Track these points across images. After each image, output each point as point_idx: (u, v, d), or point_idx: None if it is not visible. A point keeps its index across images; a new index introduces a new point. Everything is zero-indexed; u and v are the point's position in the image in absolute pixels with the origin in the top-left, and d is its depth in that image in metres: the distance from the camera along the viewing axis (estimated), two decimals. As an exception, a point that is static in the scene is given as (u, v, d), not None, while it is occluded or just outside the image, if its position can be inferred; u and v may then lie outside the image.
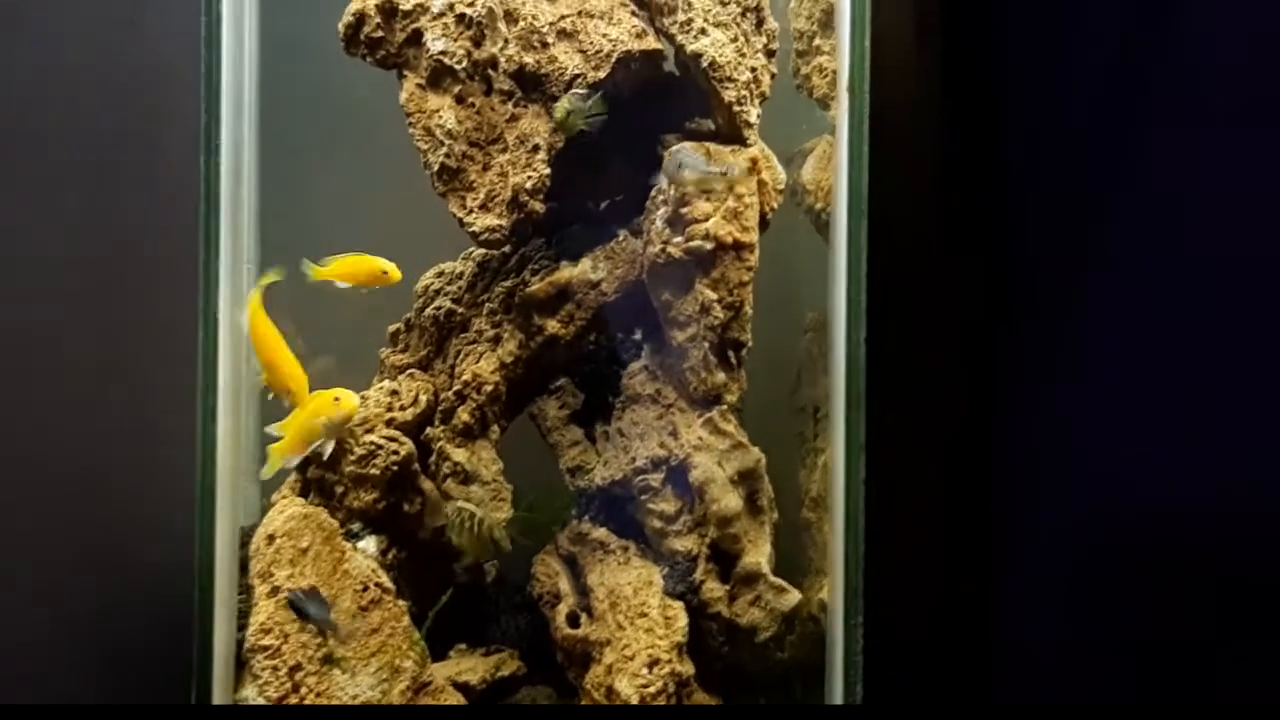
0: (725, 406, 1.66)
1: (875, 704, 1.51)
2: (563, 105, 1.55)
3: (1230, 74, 1.34)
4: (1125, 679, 1.41)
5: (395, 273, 1.59)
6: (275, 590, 1.52)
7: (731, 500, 1.63)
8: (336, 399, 1.55)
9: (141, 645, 1.66)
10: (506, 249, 1.73)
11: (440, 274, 1.79)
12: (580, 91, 1.56)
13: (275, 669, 1.50)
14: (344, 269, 1.58)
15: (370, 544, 1.63)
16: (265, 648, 1.50)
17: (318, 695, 1.50)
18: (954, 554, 1.52)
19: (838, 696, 1.54)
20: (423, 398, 1.67)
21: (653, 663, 1.54)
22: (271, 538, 1.56)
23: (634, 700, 1.52)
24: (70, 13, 1.76)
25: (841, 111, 1.50)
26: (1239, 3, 1.32)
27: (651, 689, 1.52)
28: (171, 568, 1.64)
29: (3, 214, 1.70)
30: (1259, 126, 1.28)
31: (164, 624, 1.67)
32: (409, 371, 1.72)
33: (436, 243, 1.81)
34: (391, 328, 1.82)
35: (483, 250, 1.74)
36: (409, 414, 1.65)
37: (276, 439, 1.59)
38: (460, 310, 1.72)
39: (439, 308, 1.74)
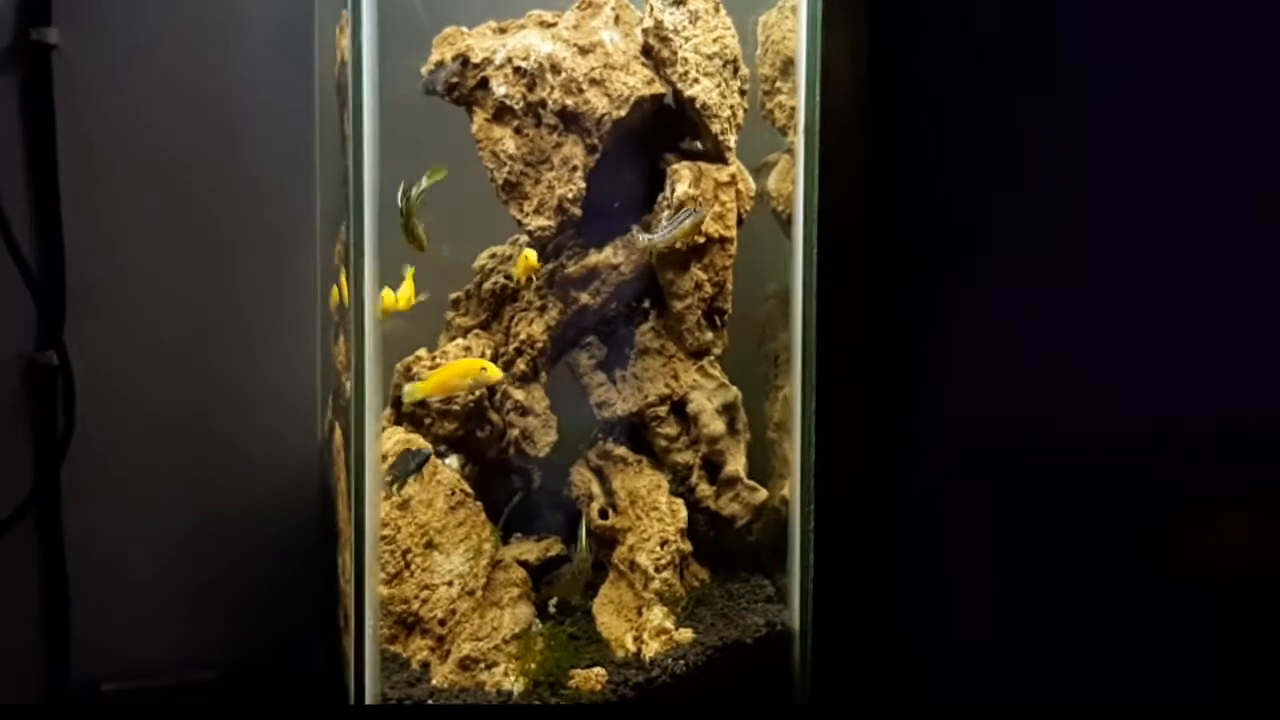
0: (712, 357, 2.24)
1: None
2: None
3: (1109, 129, 1.92)
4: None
5: (494, 370, 2.05)
6: (389, 495, 2.08)
7: (718, 425, 2.22)
8: (484, 369, 2.03)
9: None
10: (545, 238, 2.27)
11: (493, 255, 2.31)
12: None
13: (392, 552, 2.04)
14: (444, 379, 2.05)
15: (454, 461, 2.19)
16: (384, 537, 2.05)
17: (423, 570, 2.07)
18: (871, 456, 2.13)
19: (796, 564, 2.16)
20: (488, 352, 2.21)
21: (663, 542, 2.13)
22: (384, 457, 2.11)
23: (650, 569, 2.11)
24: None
25: (799, 146, 2.07)
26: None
27: (663, 561, 2.11)
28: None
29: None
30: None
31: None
32: (474, 332, 2.26)
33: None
34: (452, 295, 2.31)
35: (528, 239, 2.27)
36: (478, 364, 2.20)
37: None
38: (512, 285, 2.26)
39: (495, 283, 2.27)
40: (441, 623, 2.03)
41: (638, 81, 2.12)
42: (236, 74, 2.34)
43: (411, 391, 2.07)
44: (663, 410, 2.23)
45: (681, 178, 2.15)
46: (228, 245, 2.36)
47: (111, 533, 2.26)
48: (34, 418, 2.18)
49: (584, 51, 2.12)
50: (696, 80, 2.13)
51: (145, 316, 2.28)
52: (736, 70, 2.21)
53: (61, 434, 2.18)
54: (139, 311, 2.28)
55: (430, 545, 2.07)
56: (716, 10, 2.19)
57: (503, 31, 2.18)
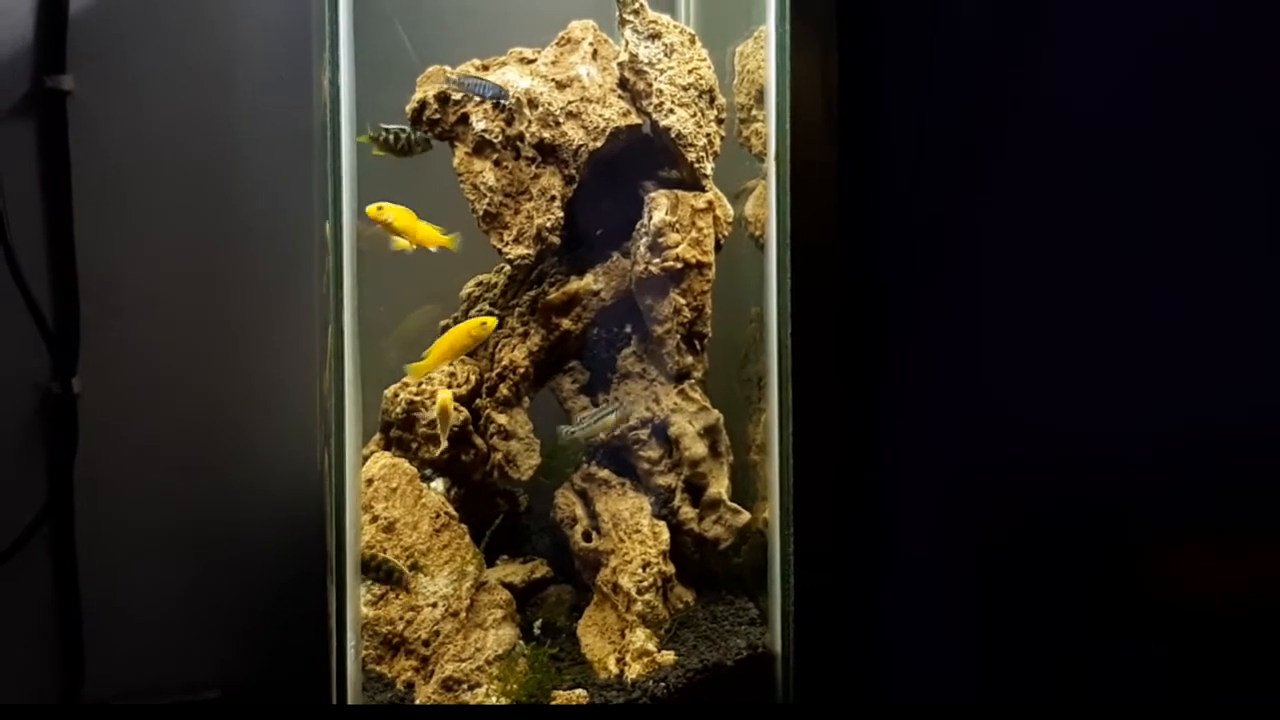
0: (693, 380, 2.28)
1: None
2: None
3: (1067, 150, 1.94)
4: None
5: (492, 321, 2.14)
6: (375, 518, 2.14)
7: (699, 448, 2.25)
8: (483, 323, 2.09)
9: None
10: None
11: (479, 284, 2.38)
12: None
13: (378, 574, 2.12)
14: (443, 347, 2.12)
15: (439, 484, 2.24)
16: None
17: (408, 591, 2.12)
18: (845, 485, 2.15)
19: (777, 587, 2.17)
20: (472, 377, 2.27)
21: (645, 565, 2.16)
22: (370, 480, 2.17)
23: (632, 592, 2.14)
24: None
25: (771, 174, 2.10)
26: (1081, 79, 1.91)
27: (645, 583, 2.14)
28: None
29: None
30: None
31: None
32: (459, 358, 2.32)
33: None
34: (442, 323, 2.38)
35: (510, 266, 2.33)
36: (464, 389, 2.25)
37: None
38: (496, 312, 2.32)
39: (480, 309, 2.34)
40: (425, 644, 2.08)
41: (614, 113, 2.17)
42: (242, 109, 2.40)
43: (414, 370, 2.11)
44: (644, 433, 2.26)
45: (659, 205, 2.19)
46: (235, 276, 2.41)
47: (121, 557, 2.33)
48: (47, 444, 2.27)
49: (561, 86, 2.17)
50: (672, 111, 2.18)
51: (155, 347, 2.34)
52: (713, 100, 2.26)
53: (72, 461, 2.27)
54: (149, 342, 2.34)
55: (415, 567, 2.12)
56: (692, 42, 2.24)
57: (485, 69, 2.25)
